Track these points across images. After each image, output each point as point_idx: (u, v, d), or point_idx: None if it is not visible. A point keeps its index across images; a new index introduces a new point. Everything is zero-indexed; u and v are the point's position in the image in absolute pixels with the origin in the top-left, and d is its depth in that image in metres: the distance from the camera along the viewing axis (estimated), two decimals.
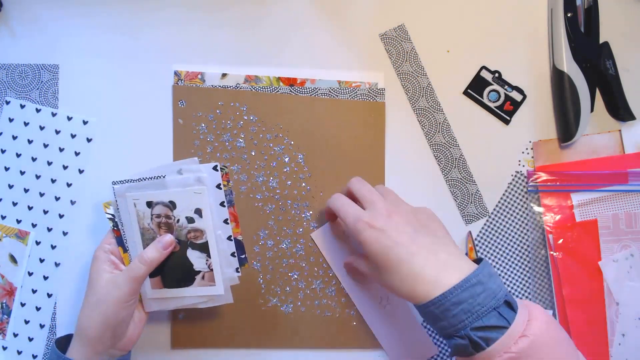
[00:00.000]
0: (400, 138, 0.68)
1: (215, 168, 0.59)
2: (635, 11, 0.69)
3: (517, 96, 0.69)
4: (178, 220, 0.59)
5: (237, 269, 0.61)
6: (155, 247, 0.59)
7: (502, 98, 0.69)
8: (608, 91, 0.68)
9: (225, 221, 0.60)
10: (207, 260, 0.60)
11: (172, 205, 0.59)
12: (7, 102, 0.67)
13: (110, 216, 0.60)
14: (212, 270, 0.60)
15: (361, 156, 0.68)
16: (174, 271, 0.60)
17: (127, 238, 0.60)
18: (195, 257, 0.60)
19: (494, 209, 0.69)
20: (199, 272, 0.60)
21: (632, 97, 0.67)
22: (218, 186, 0.59)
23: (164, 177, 0.59)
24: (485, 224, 0.68)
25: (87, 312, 0.57)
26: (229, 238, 0.60)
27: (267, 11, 0.69)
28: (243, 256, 0.61)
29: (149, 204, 0.59)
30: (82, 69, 0.68)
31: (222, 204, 0.60)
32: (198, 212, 0.59)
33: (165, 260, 0.59)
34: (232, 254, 0.61)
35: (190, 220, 0.59)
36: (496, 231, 0.68)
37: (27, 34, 0.68)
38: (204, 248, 0.59)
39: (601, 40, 0.67)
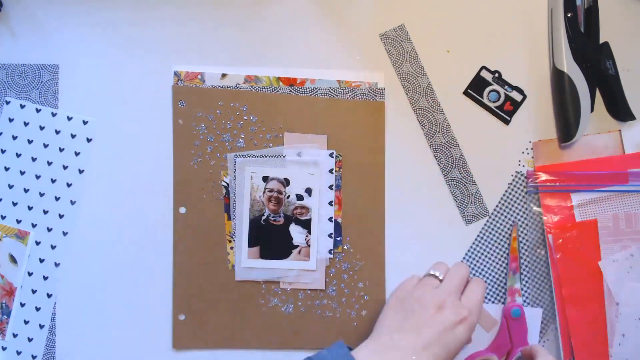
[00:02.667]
0: (400, 138, 0.68)
1: (331, 155, 0.66)
2: (635, 11, 0.69)
3: (517, 96, 0.69)
4: (288, 197, 0.66)
5: (330, 250, 0.66)
6: None
7: (502, 98, 0.69)
8: (608, 91, 0.68)
9: (330, 203, 0.66)
10: (306, 236, 0.66)
11: (286, 182, 0.66)
12: (7, 102, 0.67)
13: (224, 184, 0.66)
14: (309, 246, 0.66)
15: (361, 156, 0.68)
16: (274, 243, 0.66)
17: (235, 207, 0.66)
18: (296, 232, 0.66)
19: (494, 209, 0.68)
20: (296, 246, 0.66)
21: (632, 97, 0.67)
22: (330, 171, 0.66)
23: (284, 156, 0.65)
24: (485, 224, 0.68)
25: None
26: (330, 219, 0.66)
27: (267, 11, 0.69)
28: (339, 238, 0.67)
29: (265, 179, 0.66)
30: (82, 69, 0.68)
31: (330, 187, 0.66)
32: (308, 191, 0.66)
33: (267, 232, 0.66)
34: (330, 235, 0.66)
35: (299, 197, 0.66)
36: (496, 231, 0.68)
37: (27, 34, 0.68)
38: (306, 224, 0.66)
39: (601, 40, 0.67)
